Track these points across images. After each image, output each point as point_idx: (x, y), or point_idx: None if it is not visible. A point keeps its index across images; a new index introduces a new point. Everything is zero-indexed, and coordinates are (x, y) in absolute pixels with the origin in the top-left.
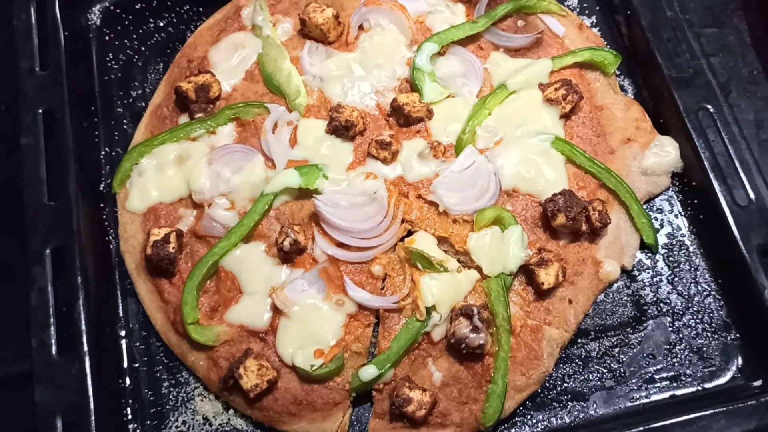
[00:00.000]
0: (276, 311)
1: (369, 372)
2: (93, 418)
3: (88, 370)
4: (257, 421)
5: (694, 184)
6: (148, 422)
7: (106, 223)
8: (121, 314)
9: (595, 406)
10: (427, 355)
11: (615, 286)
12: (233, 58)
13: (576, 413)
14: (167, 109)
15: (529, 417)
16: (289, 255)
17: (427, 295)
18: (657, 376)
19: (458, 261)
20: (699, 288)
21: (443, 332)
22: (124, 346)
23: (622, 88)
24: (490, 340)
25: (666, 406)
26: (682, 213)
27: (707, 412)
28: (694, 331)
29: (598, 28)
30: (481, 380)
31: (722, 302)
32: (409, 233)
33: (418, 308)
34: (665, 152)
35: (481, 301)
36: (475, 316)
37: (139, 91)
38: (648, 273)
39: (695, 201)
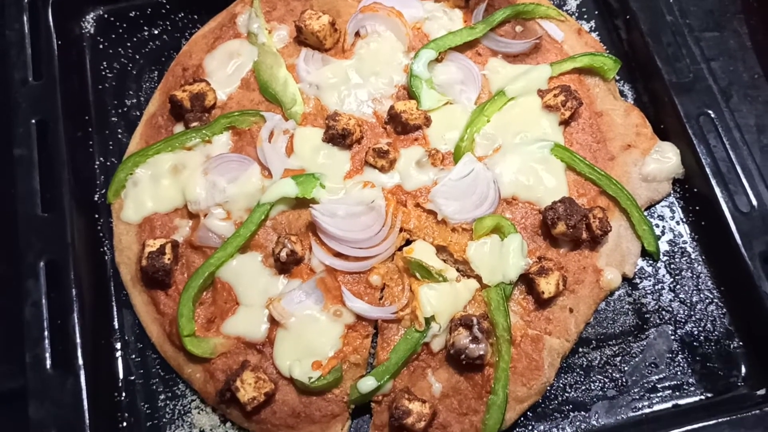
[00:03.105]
0: (273, 323)
1: (368, 384)
2: None
3: (83, 385)
4: None
5: (695, 190)
6: None
7: (101, 234)
8: (116, 327)
9: (597, 416)
10: (427, 365)
11: (616, 294)
12: (228, 66)
13: (578, 423)
14: (162, 118)
15: (530, 428)
16: (286, 265)
17: (426, 306)
18: (659, 386)
19: (457, 270)
20: (701, 296)
21: (443, 343)
22: (119, 359)
23: (621, 93)
24: (490, 351)
25: (669, 416)
26: (684, 220)
27: (711, 422)
28: (697, 340)
29: (597, 32)
30: (481, 391)
31: (725, 310)
32: (408, 242)
33: (417, 319)
34: (666, 158)
35: (481, 311)
36: (474, 327)
37: (134, 100)
38: (649, 281)
39: (697, 207)
